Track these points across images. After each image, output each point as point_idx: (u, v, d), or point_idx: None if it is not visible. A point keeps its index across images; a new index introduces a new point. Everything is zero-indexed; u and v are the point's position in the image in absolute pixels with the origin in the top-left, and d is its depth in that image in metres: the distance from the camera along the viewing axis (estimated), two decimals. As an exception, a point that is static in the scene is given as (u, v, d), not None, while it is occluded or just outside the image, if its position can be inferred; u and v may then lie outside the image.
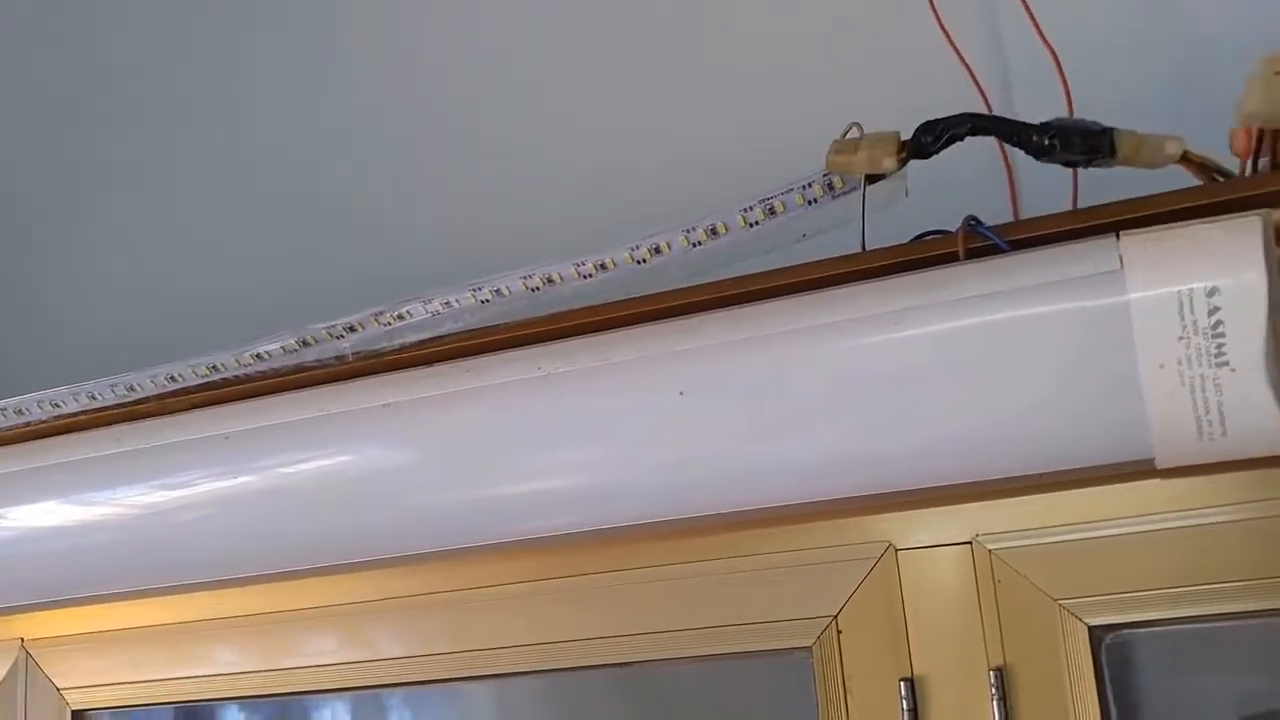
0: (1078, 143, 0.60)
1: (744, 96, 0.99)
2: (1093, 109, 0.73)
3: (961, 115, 0.62)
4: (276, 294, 1.12)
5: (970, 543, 0.65)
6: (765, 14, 0.99)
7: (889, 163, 0.61)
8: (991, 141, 0.70)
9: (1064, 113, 0.73)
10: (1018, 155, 0.80)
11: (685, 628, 0.71)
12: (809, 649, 0.68)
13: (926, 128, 0.62)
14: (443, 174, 1.09)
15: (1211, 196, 0.58)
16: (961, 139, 0.62)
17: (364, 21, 1.15)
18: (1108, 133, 0.60)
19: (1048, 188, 0.70)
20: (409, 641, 0.80)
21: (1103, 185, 0.62)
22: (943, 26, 0.84)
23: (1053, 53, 0.78)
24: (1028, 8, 0.80)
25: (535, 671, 0.76)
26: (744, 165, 0.80)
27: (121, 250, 1.24)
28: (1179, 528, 0.62)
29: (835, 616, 0.68)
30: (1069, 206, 0.66)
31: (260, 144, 1.18)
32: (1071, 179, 0.68)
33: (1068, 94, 0.76)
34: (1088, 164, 0.61)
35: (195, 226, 1.21)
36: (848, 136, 0.64)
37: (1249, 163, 0.58)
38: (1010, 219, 0.79)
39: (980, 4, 0.89)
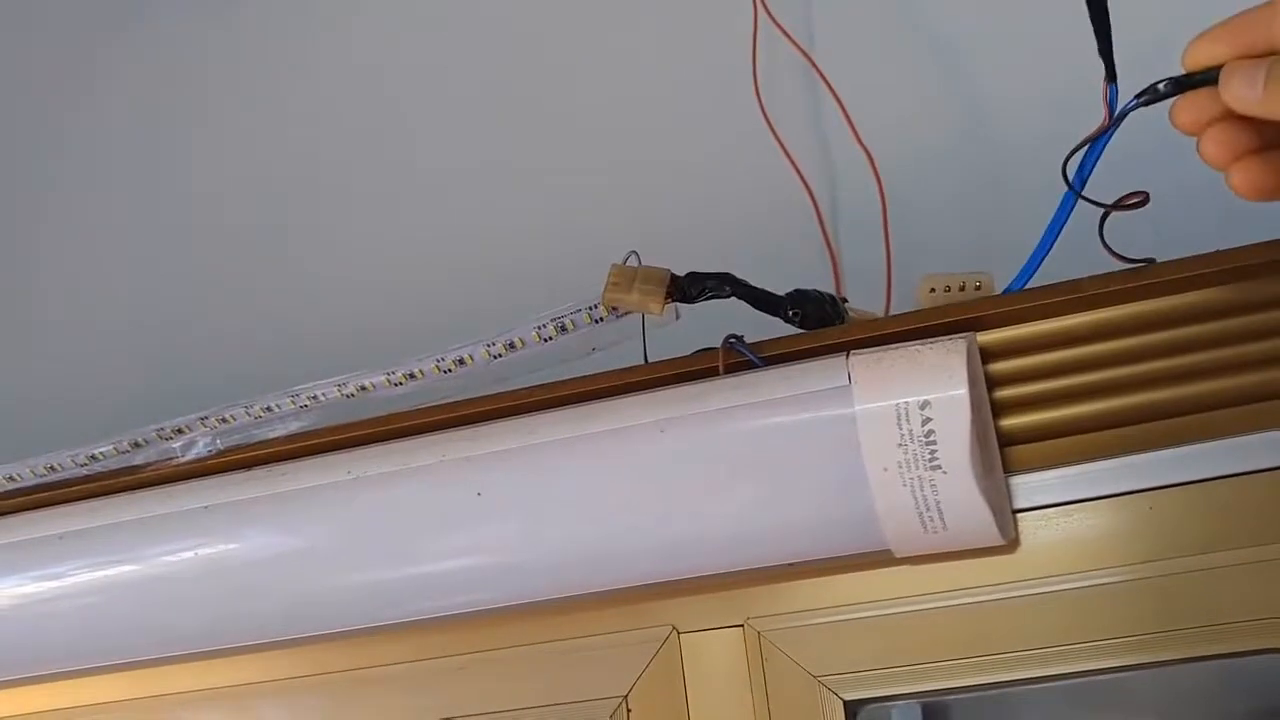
0: (813, 323, 0.70)
1: (573, 196, 1.04)
2: (908, 204, 0.87)
3: (723, 276, 0.71)
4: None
5: (742, 625, 0.72)
6: (597, 113, 1.06)
7: (655, 307, 0.69)
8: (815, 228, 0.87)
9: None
10: (841, 241, 0.91)
11: (488, 711, 0.76)
12: (603, 727, 0.74)
13: (694, 280, 0.70)
14: (256, 281, 1.14)
15: (931, 320, 0.67)
16: (719, 297, 0.71)
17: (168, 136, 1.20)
18: (839, 312, 0.71)
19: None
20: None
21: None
22: (773, 130, 0.94)
23: (868, 154, 0.87)
24: (846, 114, 0.91)
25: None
26: (575, 264, 0.81)
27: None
28: (921, 610, 0.69)
29: (625, 696, 0.74)
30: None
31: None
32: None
33: (881, 193, 0.86)
34: None
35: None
36: (626, 263, 0.71)
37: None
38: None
39: (808, 107, 0.98)
